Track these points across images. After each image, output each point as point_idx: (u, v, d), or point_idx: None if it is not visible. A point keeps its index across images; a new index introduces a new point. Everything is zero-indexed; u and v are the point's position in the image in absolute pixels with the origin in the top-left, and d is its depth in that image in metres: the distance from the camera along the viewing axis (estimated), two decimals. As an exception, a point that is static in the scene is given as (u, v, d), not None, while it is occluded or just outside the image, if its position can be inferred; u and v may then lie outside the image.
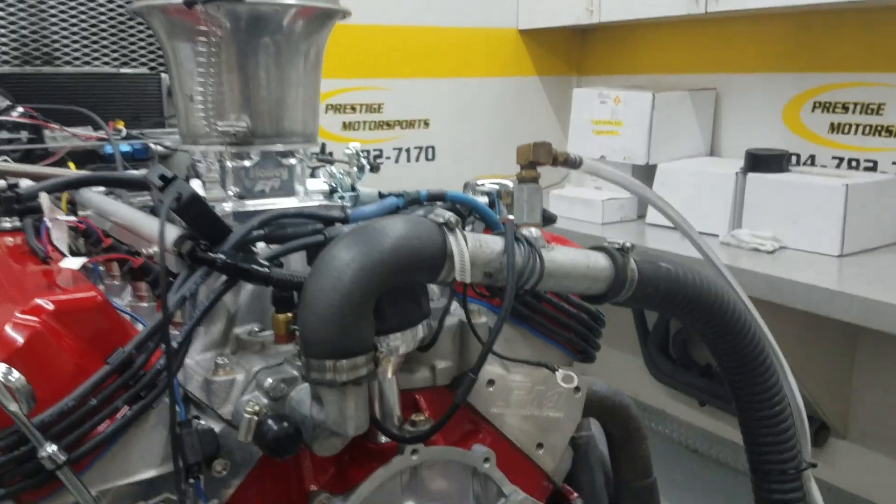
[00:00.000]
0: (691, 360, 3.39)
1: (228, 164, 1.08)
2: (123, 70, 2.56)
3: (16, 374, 0.66)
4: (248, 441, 0.75)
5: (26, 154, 1.86)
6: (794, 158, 3.03)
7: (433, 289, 1.02)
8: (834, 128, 3.00)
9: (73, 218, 0.96)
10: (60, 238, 0.94)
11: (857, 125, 2.93)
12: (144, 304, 0.97)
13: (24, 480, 0.70)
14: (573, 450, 1.11)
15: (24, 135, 1.87)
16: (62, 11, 2.42)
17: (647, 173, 3.18)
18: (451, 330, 0.99)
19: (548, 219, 0.91)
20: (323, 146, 1.79)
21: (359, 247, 0.74)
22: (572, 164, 0.89)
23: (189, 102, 1.07)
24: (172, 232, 0.88)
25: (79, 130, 2.01)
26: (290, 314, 0.86)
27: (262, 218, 0.87)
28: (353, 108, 3.52)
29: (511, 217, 0.94)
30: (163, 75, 2.58)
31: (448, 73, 3.68)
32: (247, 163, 1.08)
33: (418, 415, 0.95)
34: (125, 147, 2.04)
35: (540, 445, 1.04)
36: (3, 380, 0.65)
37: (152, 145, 2.13)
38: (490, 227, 0.98)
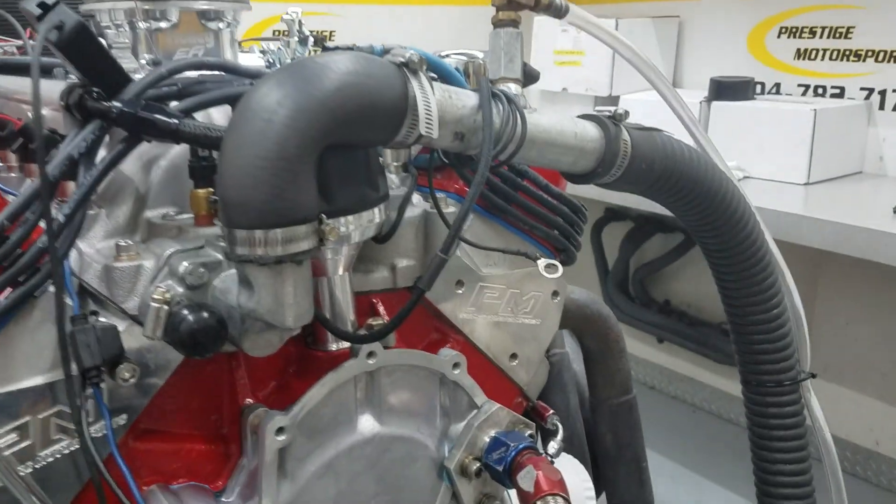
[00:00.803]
0: (650, 298, 3.35)
1: (140, 25, 0.89)
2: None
3: None
4: (157, 337, 0.59)
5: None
6: (759, 87, 2.94)
7: (391, 178, 0.87)
8: (800, 54, 2.91)
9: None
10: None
11: (825, 50, 2.85)
12: (14, 175, 0.79)
13: None
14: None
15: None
16: None
17: (610, 104, 3.05)
18: (413, 222, 0.83)
19: (529, 75, 0.76)
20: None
21: (293, 84, 0.58)
22: (556, 11, 0.73)
23: (87, -54, 0.87)
24: (57, 86, 0.70)
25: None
26: (210, 190, 0.69)
27: (172, 66, 0.69)
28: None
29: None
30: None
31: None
32: (163, 24, 0.89)
33: (376, 319, 0.80)
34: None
35: (514, 356, 0.91)
36: None
37: None
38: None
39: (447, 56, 0.94)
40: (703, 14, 3.18)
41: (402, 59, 0.63)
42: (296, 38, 0.99)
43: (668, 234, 3.21)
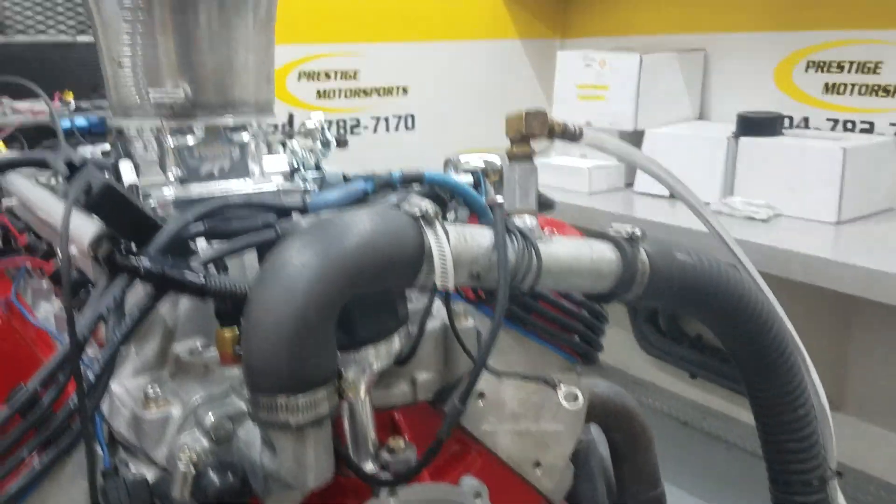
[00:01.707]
0: (681, 333, 3.31)
1: (168, 141, 0.91)
2: (80, 38, 2.37)
3: None
4: (185, 498, 0.60)
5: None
6: (787, 121, 2.91)
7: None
8: (828, 88, 2.88)
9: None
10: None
11: (853, 85, 2.81)
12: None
13: None
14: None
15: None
16: (13, -22, 2.23)
17: (634, 139, 3.03)
18: (432, 336, 0.84)
19: (544, 204, 0.76)
20: (291, 117, 1.62)
21: (315, 248, 0.59)
22: (571, 136, 0.74)
23: (118, 69, 0.90)
24: (90, 229, 0.73)
25: (27, 104, 1.83)
26: (237, 329, 0.70)
27: (199, 209, 0.71)
28: (328, 75, 3.32)
29: (500, 200, 0.79)
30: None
31: (426, 36, 3.49)
32: (190, 139, 0.92)
33: (396, 439, 0.80)
34: (81, 121, 1.87)
35: (537, 464, 0.91)
36: None
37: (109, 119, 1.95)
38: (476, 213, 0.83)
39: (466, 162, 0.95)
40: (729, 48, 3.16)
41: (418, 212, 0.64)
42: (318, 143, 1.01)
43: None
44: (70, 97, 1.93)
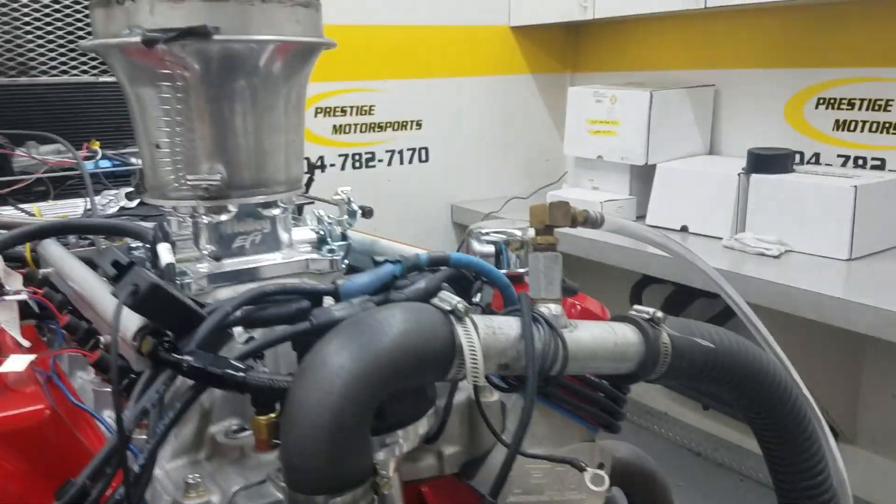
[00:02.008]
0: (695, 365, 3.31)
1: (203, 219, 0.95)
2: (103, 79, 2.43)
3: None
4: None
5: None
6: (797, 157, 2.93)
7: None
8: (839, 125, 2.90)
9: (22, 296, 0.84)
10: (10, 321, 0.81)
11: (864, 122, 2.84)
12: (110, 389, 0.85)
13: None
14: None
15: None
16: (37, 20, 2.29)
17: (646, 173, 3.07)
18: (458, 410, 0.87)
19: (568, 290, 0.79)
20: (311, 165, 1.66)
21: (351, 349, 0.62)
22: (593, 223, 0.77)
23: (155, 152, 0.94)
24: (133, 322, 0.76)
25: (52, 149, 1.88)
26: (272, 416, 0.73)
27: (237, 301, 0.74)
28: (344, 111, 3.39)
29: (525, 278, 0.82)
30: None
31: (440, 72, 3.55)
32: (223, 217, 0.95)
33: (425, 513, 0.83)
34: (105, 163, 1.91)
35: (560, 532, 0.93)
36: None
37: (134, 160, 2.00)
38: (502, 294, 0.85)
39: (487, 234, 0.98)
40: (739, 83, 3.19)
41: (449, 308, 0.67)
42: (346, 216, 1.04)
43: (712, 299, 3.19)
44: (96, 146, 1.99)
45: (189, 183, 0.91)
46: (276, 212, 1.00)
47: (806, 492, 0.98)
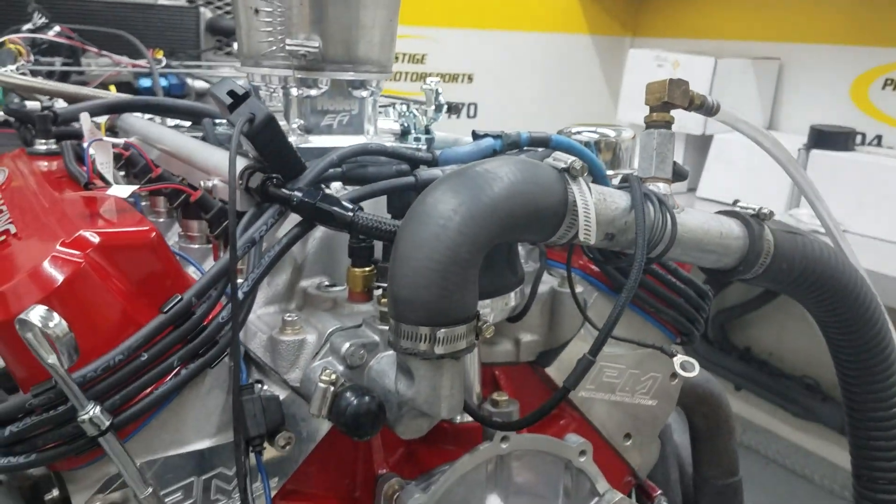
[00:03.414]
0: (730, 343, 3.28)
1: (294, 91, 0.94)
2: (160, 1, 2.43)
3: (56, 318, 0.54)
4: (322, 415, 0.63)
5: (60, 77, 1.73)
6: (859, 138, 2.86)
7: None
8: (904, 107, 2.82)
9: (118, 140, 0.84)
10: (105, 163, 0.81)
11: (931, 106, 2.76)
12: (195, 246, 0.85)
13: (62, 445, 0.59)
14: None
15: (58, 60, 1.74)
16: (98, -66, 2.29)
17: (702, 143, 3.01)
18: (540, 300, 0.86)
19: (679, 173, 0.77)
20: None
21: (466, 192, 0.61)
22: (708, 109, 0.75)
23: (253, 16, 0.92)
24: (237, 163, 0.75)
25: (109, 65, 1.88)
26: (367, 269, 0.73)
27: (341, 152, 0.74)
28: (396, 58, 3.35)
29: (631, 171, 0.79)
30: (201, 8, 2.44)
31: (496, 24, 3.49)
32: (314, 91, 0.94)
33: (500, 393, 0.83)
34: (162, 81, 1.91)
35: (628, 436, 0.92)
36: (40, 325, 0.53)
37: (189, 81, 2.01)
38: (597, 180, 0.84)
39: (579, 133, 0.96)
40: (805, 59, 3.11)
41: (564, 165, 0.65)
42: (433, 107, 1.03)
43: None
44: (160, 55, 1.99)
45: (287, 48, 0.89)
46: (364, 93, 0.98)
47: (879, 422, 0.96)
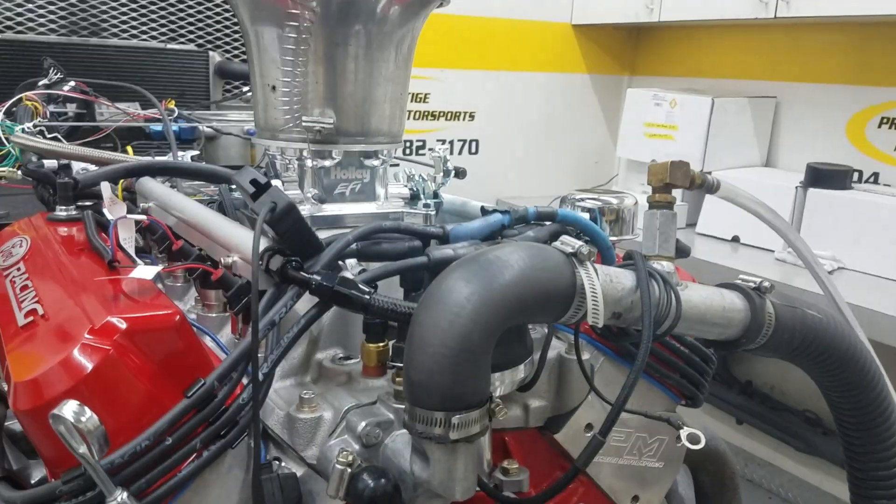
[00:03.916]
0: (731, 377, 3.28)
1: (308, 162, 0.98)
2: (171, 46, 2.48)
3: (88, 413, 0.57)
4: (339, 497, 0.65)
5: (73, 130, 1.77)
6: (856, 175, 2.90)
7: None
8: (902, 146, 2.87)
9: (142, 217, 0.87)
10: (128, 239, 0.84)
11: (927, 145, 2.80)
12: (213, 315, 0.88)
13: (89, 529, 0.61)
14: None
15: (71, 108, 1.79)
16: (111, -19, 2.36)
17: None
18: (549, 366, 0.88)
19: (681, 251, 0.80)
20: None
21: (478, 280, 0.64)
22: (709, 187, 0.78)
23: (270, 93, 0.96)
24: (249, 237, 0.78)
25: (128, 107, 1.93)
26: (381, 344, 0.75)
27: (357, 233, 0.77)
28: (399, 97, 3.41)
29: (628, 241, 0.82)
30: (211, 53, 2.50)
31: (497, 65, 3.56)
32: (328, 162, 0.98)
33: (511, 462, 0.84)
34: (174, 128, 1.95)
35: (636, 499, 0.94)
36: (73, 420, 0.55)
37: (200, 127, 2.05)
38: (603, 255, 0.86)
39: (582, 200, 0.99)
40: (801, 97, 3.16)
41: (572, 250, 0.68)
42: (441, 173, 1.06)
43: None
44: (172, 104, 2.03)
45: (304, 124, 0.93)
46: (376, 163, 1.02)
47: (880, 482, 0.98)
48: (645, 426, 0.92)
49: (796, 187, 2.70)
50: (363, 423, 0.70)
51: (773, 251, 2.70)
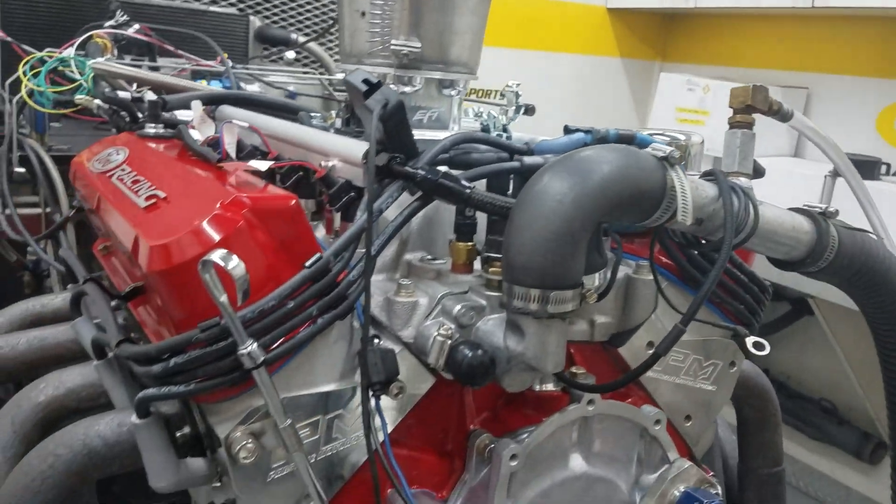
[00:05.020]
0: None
1: (392, 87, 1.03)
2: (213, 8, 2.53)
3: (235, 260, 0.62)
4: (439, 366, 0.70)
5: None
6: (884, 168, 2.93)
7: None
8: (932, 140, 2.90)
9: (243, 124, 0.92)
10: (231, 143, 0.90)
11: (957, 140, 2.83)
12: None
13: (217, 377, 0.67)
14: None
15: (127, 57, 1.85)
16: (157, -60, 2.41)
17: (729, 167, 3.09)
18: (617, 284, 0.93)
19: (757, 171, 0.85)
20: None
21: (576, 175, 0.69)
22: (783, 115, 0.83)
23: (359, 19, 1.02)
24: (356, 145, 0.84)
25: (169, 69, 1.98)
26: (470, 243, 0.81)
27: (451, 138, 0.82)
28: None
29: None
30: (251, 17, 2.55)
31: (530, 44, 3.60)
32: (409, 88, 1.03)
33: (578, 367, 0.90)
34: (216, 84, 2.01)
35: (688, 418, 0.99)
36: (222, 264, 0.61)
37: (243, 84, 2.10)
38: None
39: (652, 135, 1.04)
40: (832, 88, 3.19)
41: (664, 154, 0.73)
42: (513, 108, 1.11)
43: (775, 301, 3.19)
44: (226, 56, 2.08)
45: (392, 47, 0.98)
46: (453, 92, 1.07)
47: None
48: (701, 349, 0.98)
49: (825, 176, 2.73)
50: (459, 306, 0.76)
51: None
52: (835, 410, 2.98)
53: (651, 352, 0.94)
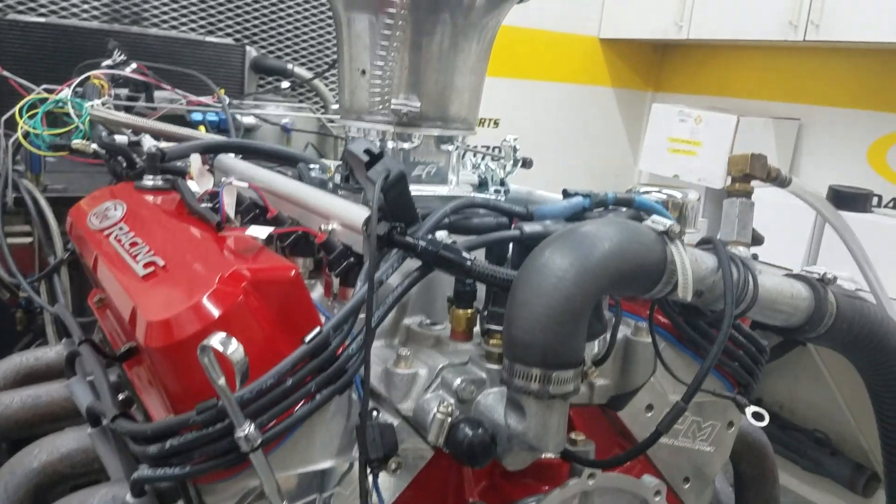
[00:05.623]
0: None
1: (390, 144, 1.03)
2: (209, 38, 2.55)
3: (235, 344, 0.61)
4: (439, 444, 0.69)
5: (126, 110, 1.83)
6: (876, 200, 2.95)
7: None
8: (923, 173, 2.93)
9: (243, 184, 0.92)
10: (230, 204, 0.90)
11: (949, 173, 2.86)
12: (305, 281, 0.93)
13: (214, 459, 0.66)
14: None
15: (123, 92, 1.85)
16: (153, -30, 2.42)
17: (720, 197, 3.09)
18: (616, 346, 0.93)
19: (756, 239, 0.85)
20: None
21: (577, 251, 0.69)
22: (782, 182, 0.83)
23: (359, 77, 1.02)
24: (357, 211, 0.84)
25: (165, 100, 1.98)
26: (470, 311, 0.81)
27: (453, 205, 0.82)
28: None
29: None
30: (247, 47, 2.56)
31: (524, 74, 3.63)
32: (407, 145, 1.03)
33: (578, 434, 0.89)
34: (212, 116, 2.01)
35: (687, 479, 0.98)
36: (221, 349, 0.60)
37: (238, 117, 2.11)
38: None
39: (648, 193, 1.05)
40: (824, 120, 3.22)
41: (663, 228, 0.73)
42: (511, 161, 1.12)
43: (767, 331, 3.19)
44: (223, 93, 2.09)
45: (392, 107, 0.99)
46: (451, 148, 1.07)
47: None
48: (700, 411, 0.97)
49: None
50: (459, 380, 0.75)
51: (791, 271, 2.75)
52: (828, 441, 2.98)
53: (650, 415, 0.95)
